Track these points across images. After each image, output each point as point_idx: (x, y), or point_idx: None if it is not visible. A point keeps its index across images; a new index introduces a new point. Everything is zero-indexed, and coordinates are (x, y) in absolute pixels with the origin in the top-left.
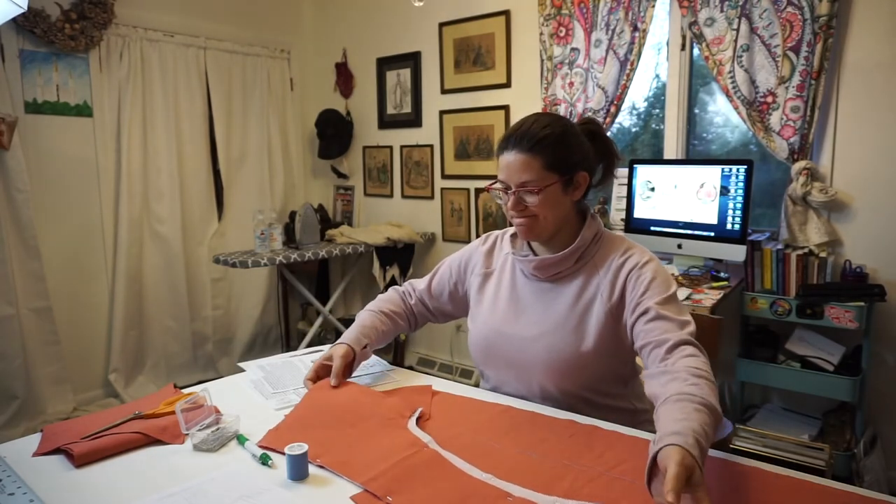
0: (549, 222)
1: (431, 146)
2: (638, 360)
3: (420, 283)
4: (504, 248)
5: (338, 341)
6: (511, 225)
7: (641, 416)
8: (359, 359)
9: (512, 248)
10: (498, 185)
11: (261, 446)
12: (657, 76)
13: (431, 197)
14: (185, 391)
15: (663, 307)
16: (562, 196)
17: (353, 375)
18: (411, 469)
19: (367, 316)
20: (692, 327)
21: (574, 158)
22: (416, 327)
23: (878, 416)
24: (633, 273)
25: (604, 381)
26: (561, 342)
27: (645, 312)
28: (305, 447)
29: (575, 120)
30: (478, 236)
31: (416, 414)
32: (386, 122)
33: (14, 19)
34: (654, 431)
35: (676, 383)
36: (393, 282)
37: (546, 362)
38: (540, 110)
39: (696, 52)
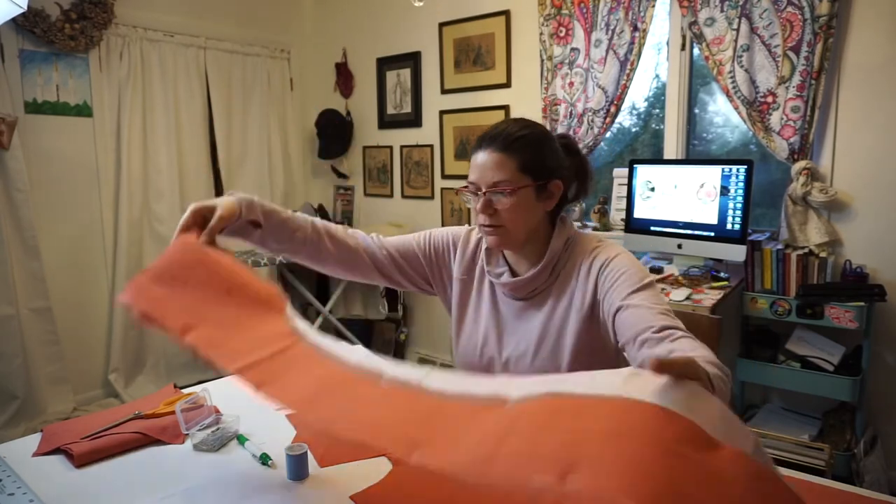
0: (520, 231)
1: (431, 146)
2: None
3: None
4: (482, 258)
5: (234, 193)
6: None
7: None
8: (238, 227)
9: (487, 265)
10: (468, 187)
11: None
12: (657, 76)
13: (431, 197)
14: (185, 391)
15: (637, 296)
16: (534, 202)
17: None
18: (287, 361)
19: (297, 215)
20: (677, 320)
21: (549, 164)
22: (353, 270)
23: (878, 416)
24: (602, 271)
25: None
26: (541, 363)
27: (621, 308)
28: (305, 447)
29: (574, 122)
30: None
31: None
32: (386, 122)
33: (14, 19)
34: None
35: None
36: None
37: None
38: (540, 110)
39: (696, 52)
